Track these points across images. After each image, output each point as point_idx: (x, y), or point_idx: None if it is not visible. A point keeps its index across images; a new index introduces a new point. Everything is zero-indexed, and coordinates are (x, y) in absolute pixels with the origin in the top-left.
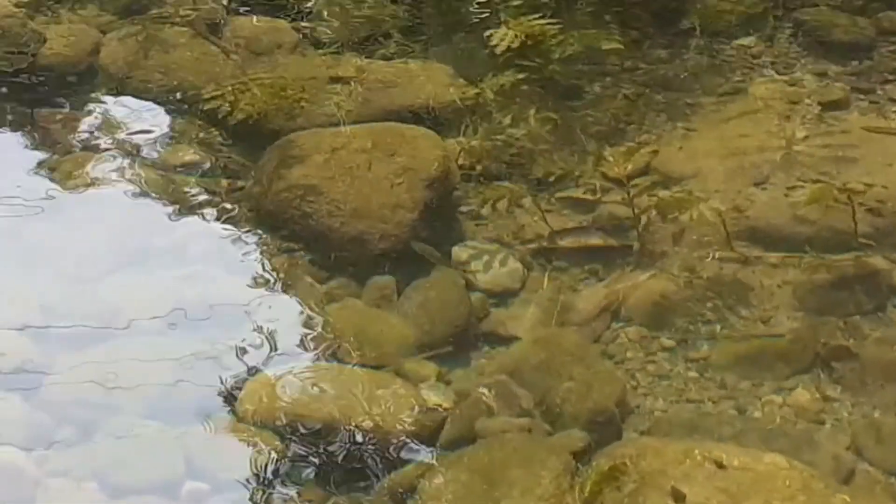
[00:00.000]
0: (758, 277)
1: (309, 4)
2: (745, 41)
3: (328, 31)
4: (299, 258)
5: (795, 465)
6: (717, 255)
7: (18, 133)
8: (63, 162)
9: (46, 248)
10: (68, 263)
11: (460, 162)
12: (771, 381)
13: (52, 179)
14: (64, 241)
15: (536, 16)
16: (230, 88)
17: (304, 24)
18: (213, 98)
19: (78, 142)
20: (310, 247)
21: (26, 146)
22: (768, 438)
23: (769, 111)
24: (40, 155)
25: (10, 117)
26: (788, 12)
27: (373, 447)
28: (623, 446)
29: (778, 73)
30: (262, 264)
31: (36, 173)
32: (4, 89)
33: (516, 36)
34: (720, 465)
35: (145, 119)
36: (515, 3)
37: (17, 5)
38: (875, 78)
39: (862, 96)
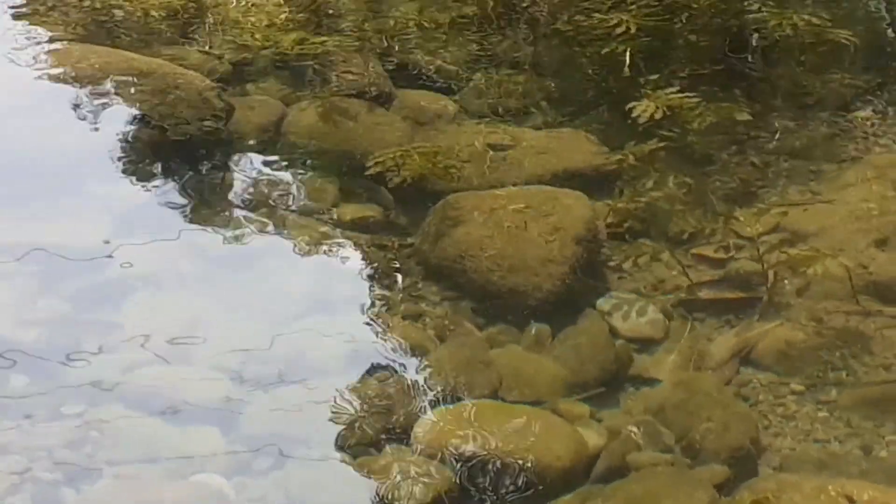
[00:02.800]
0: (879, 329)
1: (466, 78)
2: (862, 114)
3: (484, 103)
4: (462, 308)
5: None
6: (841, 308)
7: (213, 192)
8: (275, 218)
9: (239, 297)
10: (260, 310)
11: (608, 221)
12: (893, 423)
13: (241, 234)
14: (255, 290)
15: (675, 90)
16: (392, 155)
17: (461, 96)
18: (380, 162)
19: (263, 200)
20: (471, 297)
21: (219, 204)
22: (892, 475)
23: (885, 178)
24: (231, 211)
25: (205, 178)
26: None
27: (533, 478)
28: (764, 481)
29: (894, 142)
30: (430, 312)
31: (227, 228)
32: (201, 152)
33: (657, 108)
34: (851, 501)
35: (323, 180)
36: (653, 78)
37: (213, 80)
38: None
39: None
